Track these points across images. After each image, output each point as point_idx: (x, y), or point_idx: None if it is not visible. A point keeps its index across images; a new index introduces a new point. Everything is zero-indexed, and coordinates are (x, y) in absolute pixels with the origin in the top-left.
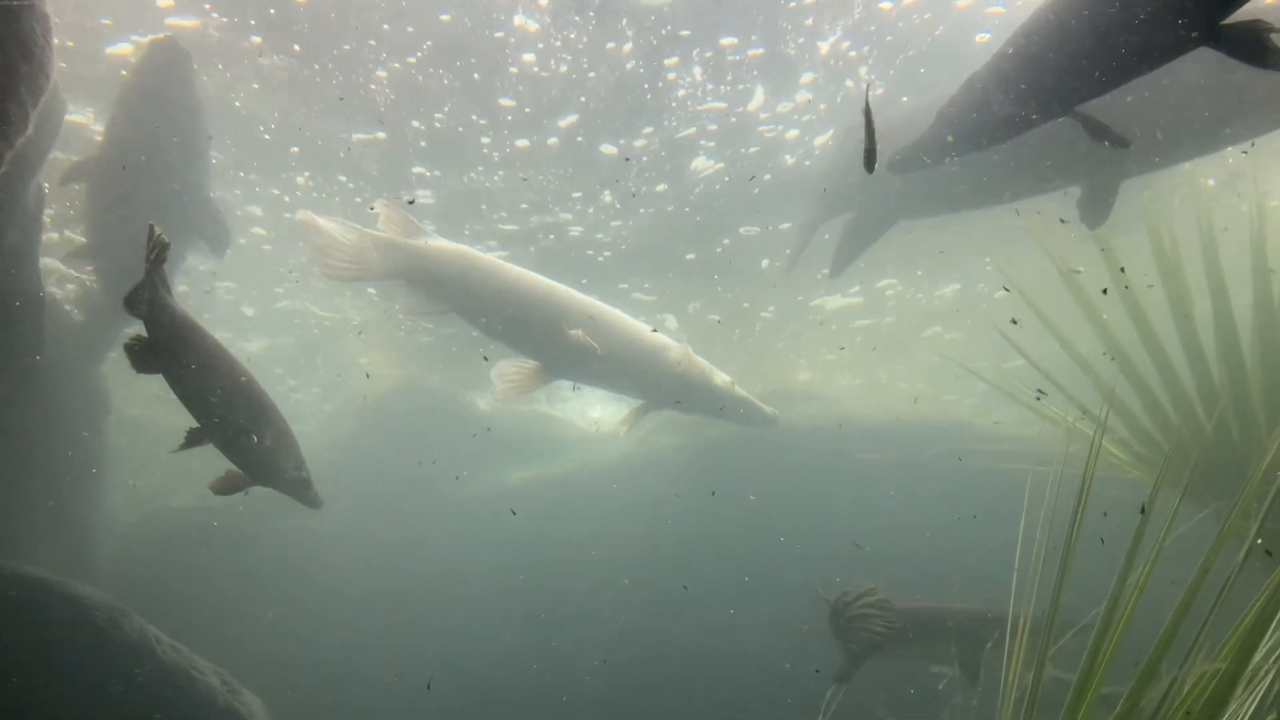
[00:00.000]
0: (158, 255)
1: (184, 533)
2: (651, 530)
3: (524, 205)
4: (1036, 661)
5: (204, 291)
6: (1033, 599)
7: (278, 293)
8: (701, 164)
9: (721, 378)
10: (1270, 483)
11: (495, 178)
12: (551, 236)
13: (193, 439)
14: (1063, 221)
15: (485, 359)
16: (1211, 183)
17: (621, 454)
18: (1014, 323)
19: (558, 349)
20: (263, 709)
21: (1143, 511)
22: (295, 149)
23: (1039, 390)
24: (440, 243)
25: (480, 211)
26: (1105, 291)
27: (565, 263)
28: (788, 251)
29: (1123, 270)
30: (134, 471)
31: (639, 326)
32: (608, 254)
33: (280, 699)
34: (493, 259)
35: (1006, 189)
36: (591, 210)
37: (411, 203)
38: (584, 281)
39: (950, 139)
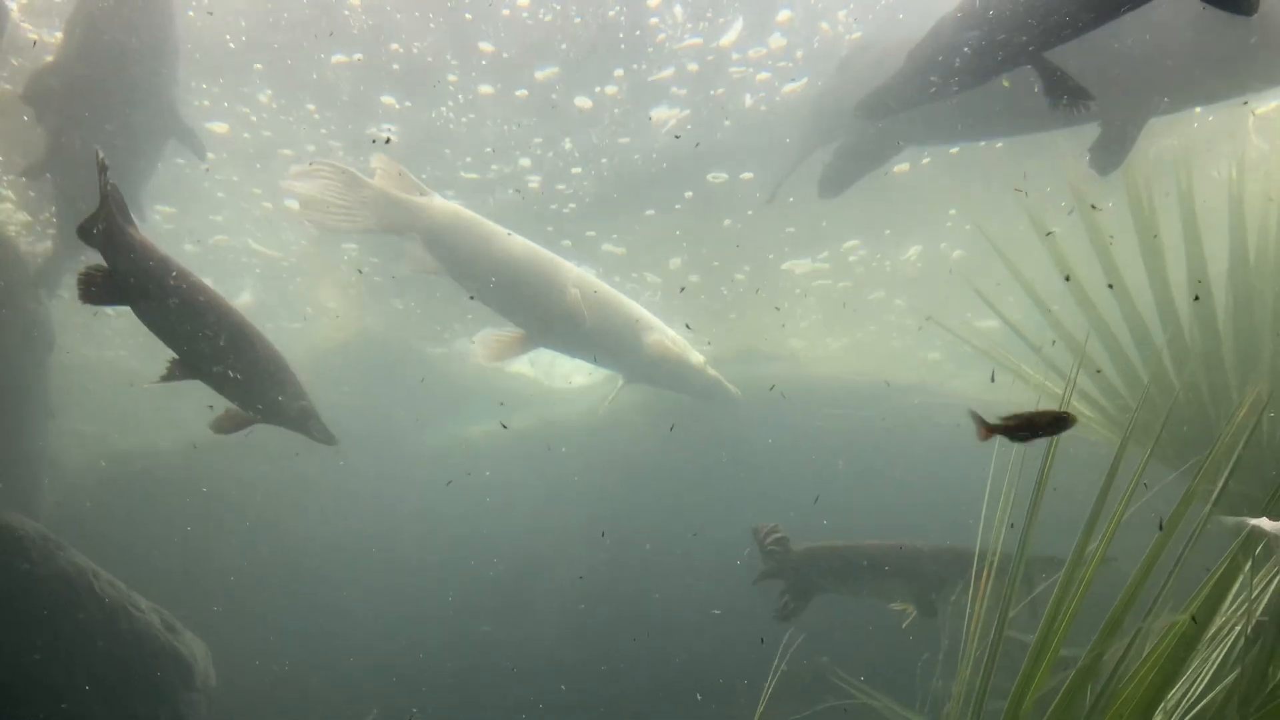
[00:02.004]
0: (104, 179)
1: (130, 477)
2: (613, 486)
3: (488, 149)
4: (997, 619)
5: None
6: (998, 547)
7: (216, 220)
8: (666, 113)
9: (696, 357)
10: (1238, 443)
11: (463, 120)
12: (513, 190)
13: (174, 371)
14: (1094, 208)
15: (471, 297)
16: (1175, 143)
17: (584, 411)
18: (1067, 279)
19: (546, 318)
20: (205, 650)
21: (1161, 527)
22: (259, 65)
23: (992, 373)
24: (438, 201)
25: (443, 156)
26: (1111, 286)
27: (529, 212)
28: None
29: (1094, 207)
30: (75, 414)
31: (627, 302)
32: (572, 205)
33: (224, 644)
34: (488, 222)
35: (1018, 122)
36: (551, 156)
37: (389, 141)
38: (549, 229)
39: (919, 82)
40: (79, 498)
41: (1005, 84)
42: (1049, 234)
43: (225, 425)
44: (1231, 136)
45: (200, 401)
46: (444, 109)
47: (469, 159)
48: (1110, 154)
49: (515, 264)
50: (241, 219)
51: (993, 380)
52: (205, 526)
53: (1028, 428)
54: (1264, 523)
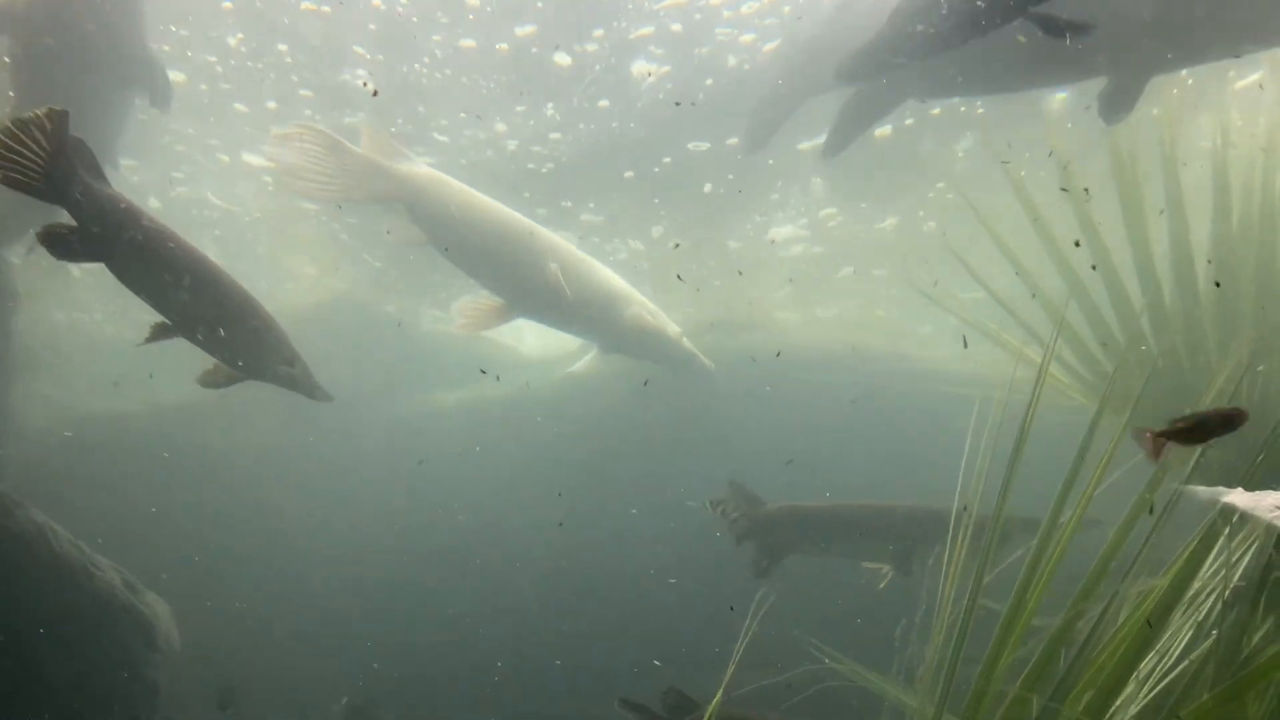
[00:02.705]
0: (55, 130)
1: (95, 441)
2: (589, 453)
3: (462, 114)
4: (972, 584)
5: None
6: (973, 509)
7: (176, 177)
8: (645, 68)
9: (673, 329)
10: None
11: (438, 76)
12: (489, 152)
13: (159, 332)
14: (1086, 191)
15: (445, 249)
16: (1156, 113)
17: (560, 379)
18: (1076, 245)
19: (526, 288)
20: (167, 611)
21: (1150, 511)
22: (228, 4)
23: (964, 339)
24: (424, 169)
25: (417, 112)
26: (1094, 268)
27: (504, 176)
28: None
29: (1087, 190)
30: (43, 378)
31: (607, 273)
32: (550, 165)
33: (187, 609)
34: (474, 191)
35: (1032, 75)
36: (533, 124)
37: (375, 94)
38: (526, 195)
39: (901, 44)
40: (42, 461)
41: (1021, 39)
42: (1063, 190)
43: (213, 380)
44: (1212, 107)
45: (174, 364)
46: (418, 65)
47: (444, 120)
48: (1119, 103)
49: (501, 235)
50: (200, 174)
51: (965, 346)
52: (171, 492)
53: (1198, 429)
54: (1238, 498)
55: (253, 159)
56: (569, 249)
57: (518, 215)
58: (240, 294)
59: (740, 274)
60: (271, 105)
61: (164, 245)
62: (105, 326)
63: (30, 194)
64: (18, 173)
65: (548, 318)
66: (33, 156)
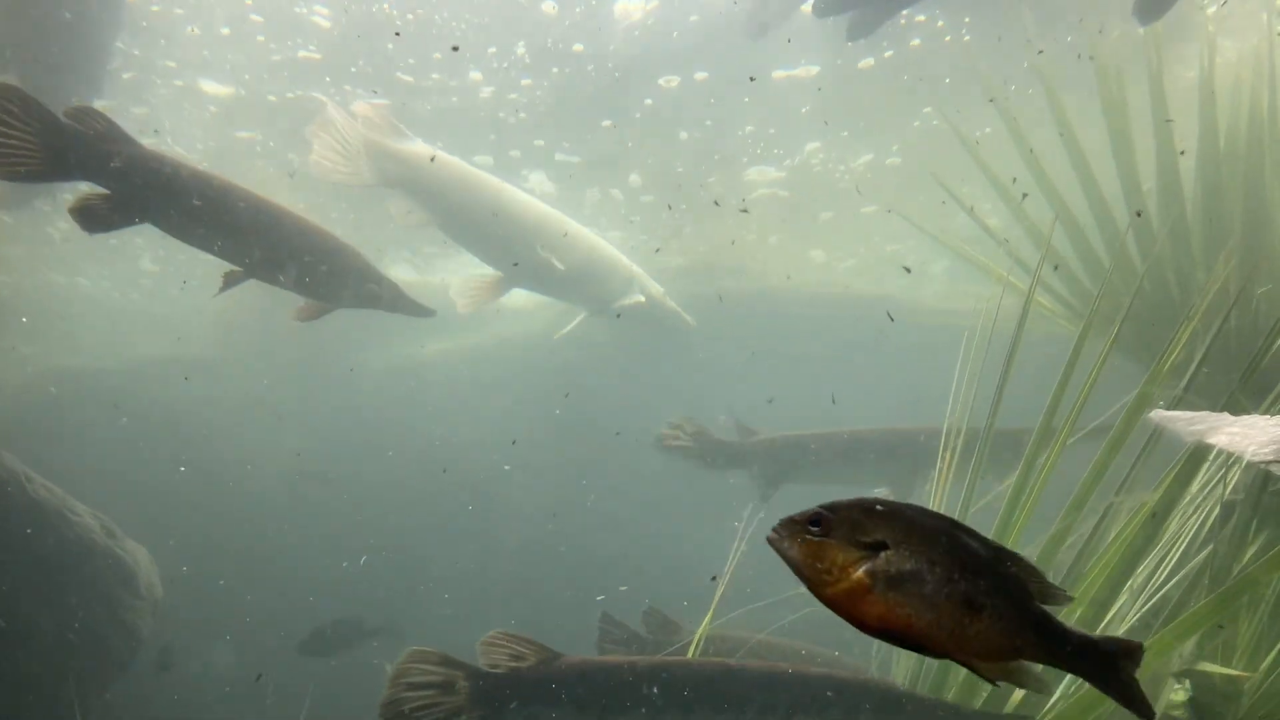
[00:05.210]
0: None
1: (69, 394)
2: (569, 403)
3: (436, 55)
4: (962, 500)
5: None
6: (963, 427)
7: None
8: (626, 7)
9: (656, 290)
10: (1205, 331)
11: (409, 17)
12: (454, 99)
13: (231, 280)
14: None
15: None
16: (1142, 33)
17: (541, 329)
18: (1138, 215)
19: (525, 262)
20: (148, 558)
21: (1153, 515)
22: None
23: (906, 267)
24: (426, 149)
25: (386, 52)
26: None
27: (472, 122)
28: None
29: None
30: (18, 334)
31: (600, 244)
32: (523, 115)
33: (166, 557)
34: (475, 170)
35: None
36: (507, 67)
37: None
38: (492, 138)
39: None
40: (18, 415)
41: None
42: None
43: (306, 315)
44: (1197, 34)
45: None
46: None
47: (411, 60)
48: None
49: (501, 211)
50: (162, 109)
51: (908, 272)
52: (148, 445)
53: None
54: (1221, 437)
55: (209, 86)
56: (564, 221)
57: (516, 190)
58: (301, 225)
59: (716, 203)
60: (225, 31)
61: (205, 192)
62: (113, 291)
63: (41, 178)
64: (16, 163)
65: (543, 288)
66: (20, 138)
